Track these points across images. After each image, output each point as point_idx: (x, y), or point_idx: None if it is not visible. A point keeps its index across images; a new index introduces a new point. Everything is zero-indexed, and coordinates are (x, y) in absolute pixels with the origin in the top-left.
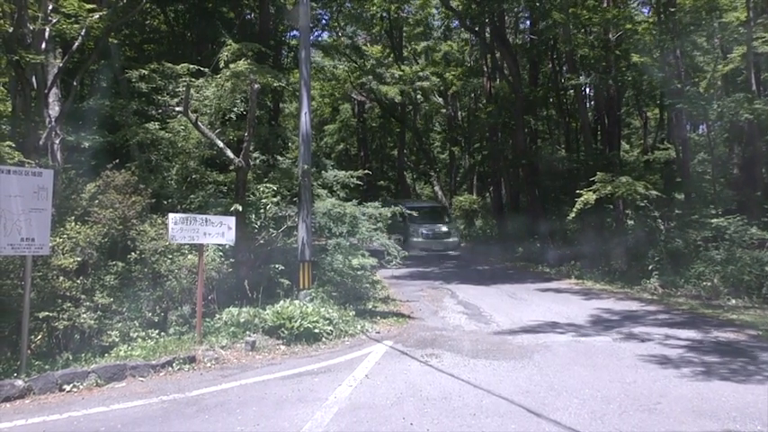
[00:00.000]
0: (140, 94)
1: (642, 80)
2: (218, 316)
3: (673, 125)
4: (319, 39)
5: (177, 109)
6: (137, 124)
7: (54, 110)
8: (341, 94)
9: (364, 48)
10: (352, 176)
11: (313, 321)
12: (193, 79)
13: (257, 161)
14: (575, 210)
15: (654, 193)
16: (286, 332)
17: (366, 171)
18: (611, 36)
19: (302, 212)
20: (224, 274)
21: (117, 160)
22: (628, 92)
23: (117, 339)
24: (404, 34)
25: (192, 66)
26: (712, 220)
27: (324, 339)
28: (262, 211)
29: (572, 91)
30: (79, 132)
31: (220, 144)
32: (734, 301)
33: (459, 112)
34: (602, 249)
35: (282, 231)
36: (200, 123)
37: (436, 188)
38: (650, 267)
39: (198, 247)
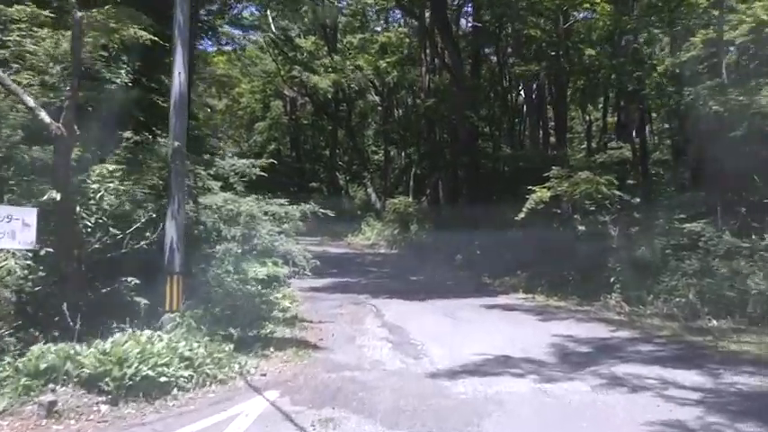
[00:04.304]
0: None
1: (596, 65)
2: (7, 359)
3: (629, 121)
4: (239, 17)
5: None
6: None
7: None
8: (272, 90)
9: (298, 39)
10: (253, 165)
11: (161, 365)
12: (36, 29)
13: (131, 142)
14: (525, 209)
15: (617, 193)
16: (113, 384)
17: (271, 161)
18: (561, 24)
19: (172, 207)
20: (30, 295)
21: None
22: (576, 83)
23: None
24: (339, 25)
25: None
26: (684, 225)
27: (176, 391)
28: (92, 201)
29: (520, 94)
30: None
31: (30, 102)
32: (716, 323)
33: (397, 110)
34: (551, 258)
35: (133, 232)
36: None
37: (369, 189)
38: (611, 280)
39: None
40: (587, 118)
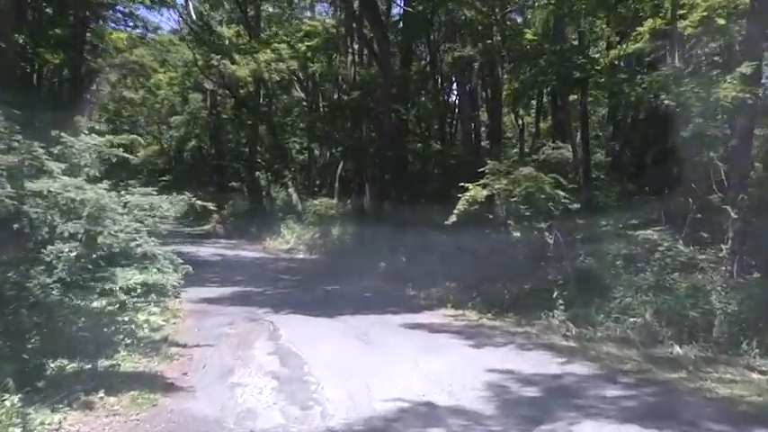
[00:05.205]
0: None
1: (537, 50)
2: None
3: (567, 121)
4: None
5: None
6: None
7: None
8: (192, 82)
9: (219, 28)
10: (113, 145)
11: None
12: None
13: None
14: (457, 211)
15: (562, 194)
16: None
17: (135, 136)
18: (498, 10)
19: None
20: None
21: None
22: (512, 81)
23: None
24: (263, 14)
25: None
26: (637, 232)
27: None
28: None
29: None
30: None
31: None
32: (680, 350)
33: (322, 105)
34: (484, 269)
35: None
36: None
37: (291, 190)
38: (554, 295)
39: None
40: (520, 122)
